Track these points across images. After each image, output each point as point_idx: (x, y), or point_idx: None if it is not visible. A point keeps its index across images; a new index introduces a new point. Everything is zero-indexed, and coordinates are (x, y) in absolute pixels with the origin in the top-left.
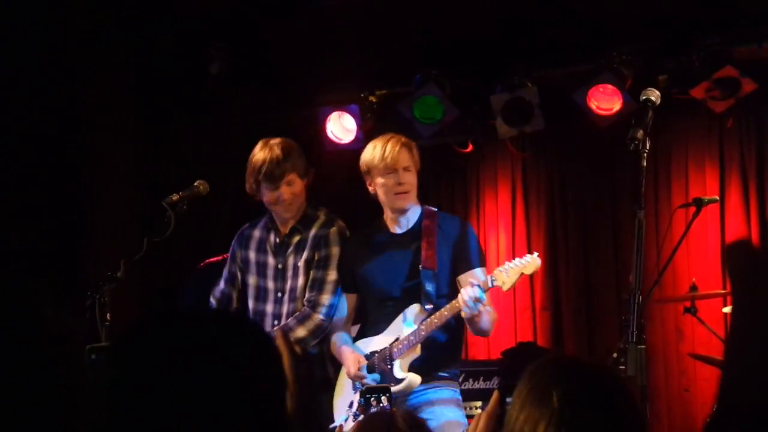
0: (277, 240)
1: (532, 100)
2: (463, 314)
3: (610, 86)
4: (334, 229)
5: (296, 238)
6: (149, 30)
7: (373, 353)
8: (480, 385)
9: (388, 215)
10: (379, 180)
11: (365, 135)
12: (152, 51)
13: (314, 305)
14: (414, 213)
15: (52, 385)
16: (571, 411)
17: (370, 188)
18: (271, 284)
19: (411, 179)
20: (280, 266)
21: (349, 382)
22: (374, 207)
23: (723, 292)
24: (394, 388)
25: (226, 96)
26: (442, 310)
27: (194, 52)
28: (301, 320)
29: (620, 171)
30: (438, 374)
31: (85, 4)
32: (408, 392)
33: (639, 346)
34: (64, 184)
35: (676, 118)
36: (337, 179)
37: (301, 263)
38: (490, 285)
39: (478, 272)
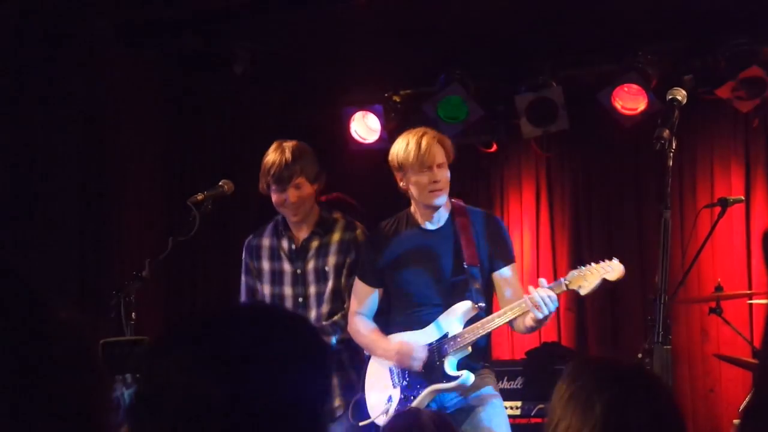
0: (293, 246)
1: (557, 99)
2: (533, 316)
3: (635, 86)
4: (359, 232)
5: (316, 242)
6: (175, 31)
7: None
8: (504, 385)
9: (418, 210)
10: (413, 177)
11: (389, 135)
12: (178, 52)
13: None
14: (445, 208)
15: (65, 385)
16: (615, 419)
17: (401, 184)
18: (288, 290)
19: (445, 175)
20: (298, 271)
21: (385, 374)
22: (398, 207)
23: (748, 292)
24: (446, 386)
25: (250, 96)
26: (505, 309)
27: (219, 52)
28: (334, 329)
29: (645, 171)
30: (481, 370)
31: (111, 5)
32: (460, 390)
33: (665, 347)
34: (90, 184)
35: (701, 117)
36: (362, 179)
37: (329, 267)
38: (564, 288)
39: (512, 268)
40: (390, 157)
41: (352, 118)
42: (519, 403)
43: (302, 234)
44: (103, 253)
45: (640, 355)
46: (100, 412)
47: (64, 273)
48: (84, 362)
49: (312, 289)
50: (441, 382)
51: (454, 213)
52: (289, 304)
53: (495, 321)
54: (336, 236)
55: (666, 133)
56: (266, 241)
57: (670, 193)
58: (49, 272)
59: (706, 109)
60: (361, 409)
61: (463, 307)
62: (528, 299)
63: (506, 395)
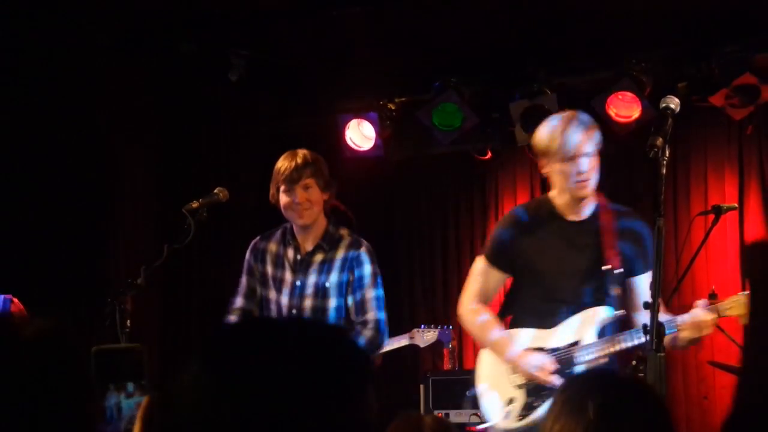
0: (298, 257)
1: (551, 107)
2: (690, 337)
3: (629, 93)
4: (363, 249)
5: (319, 257)
6: (170, 38)
7: (548, 351)
8: None
9: (563, 199)
10: (557, 165)
11: (384, 142)
12: (173, 59)
13: (363, 324)
14: (590, 200)
15: (38, 400)
16: (607, 423)
17: (543, 170)
18: (285, 300)
19: (593, 165)
20: (298, 283)
21: (503, 375)
22: (393, 216)
23: None
24: None
25: (245, 103)
26: (678, 323)
27: (214, 59)
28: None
29: (639, 178)
30: None
31: (107, 12)
32: None
33: (659, 354)
34: (86, 191)
35: (695, 125)
36: (357, 186)
37: (330, 284)
38: (722, 314)
39: (648, 277)
40: (534, 140)
41: (347, 125)
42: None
43: (308, 245)
44: (98, 261)
45: (634, 362)
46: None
47: (60, 281)
48: (59, 374)
49: (308, 303)
50: None
51: (599, 208)
52: (284, 313)
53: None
54: (340, 253)
55: (659, 140)
56: (273, 247)
57: (663, 201)
58: (44, 280)
59: (699, 116)
60: (474, 405)
61: (601, 314)
62: (691, 318)
63: None
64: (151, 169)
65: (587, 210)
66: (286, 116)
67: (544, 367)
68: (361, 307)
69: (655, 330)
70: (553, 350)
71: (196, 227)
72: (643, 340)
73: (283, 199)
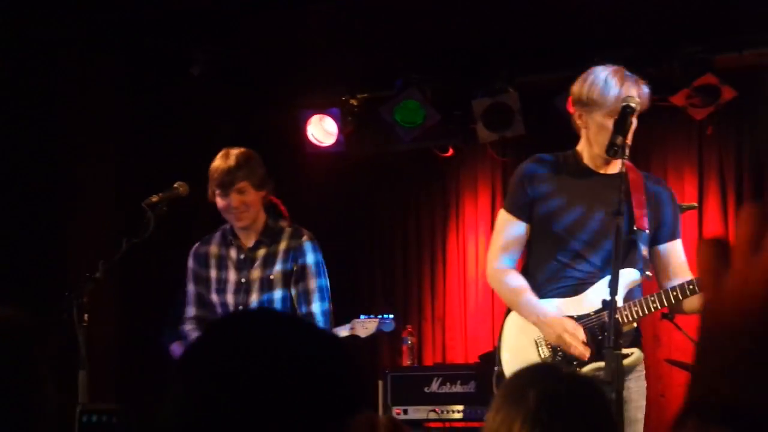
0: (241, 255)
1: (513, 105)
2: None
3: None
4: (306, 238)
5: (262, 252)
6: (132, 32)
7: (577, 319)
8: (457, 389)
9: (592, 153)
10: (597, 118)
11: (346, 138)
12: (136, 51)
13: (308, 317)
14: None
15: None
16: (547, 411)
17: (579, 120)
18: (230, 299)
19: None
20: (243, 280)
21: (529, 343)
22: (355, 210)
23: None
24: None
25: (208, 98)
26: (682, 285)
27: (177, 53)
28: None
29: None
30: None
31: (68, 6)
32: (629, 371)
33: (616, 351)
34: (43, 184)
35: (656, 124)
36: (318, 182)
37: (275, 276)
38: None
39: (680, 244)
40: (576, 88)
41: (309, 121)
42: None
43: (249, 242)
44: (55, 254)
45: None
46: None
47: (16, 274)
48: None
49: (254, 297)
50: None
51: (627, 167)
52: (229, 312)
53: (670, 295)
54: (282, 245)
55: (619, 140)
56: (214, 249)
57: (623, 200)
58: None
59: (660, 116)
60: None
61: (630, 276)
62: None
63: (459, 399)
64: (110, 163)
65: (615, 166)
66: (247, 111)
67: (576, 335)
68: (304, 297)
69: (614, 326)
70: (580, 317)
71: (155, 222)
72: (672, 300)
73: (219, 202)
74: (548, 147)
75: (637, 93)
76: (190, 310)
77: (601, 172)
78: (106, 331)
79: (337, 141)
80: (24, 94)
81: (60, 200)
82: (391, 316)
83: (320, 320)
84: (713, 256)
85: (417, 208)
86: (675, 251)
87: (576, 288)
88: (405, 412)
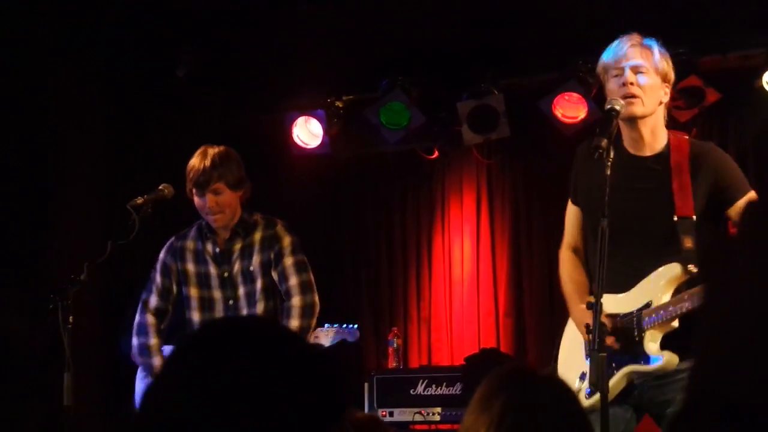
0: (218, 249)
1: (498, 107)
2: None
3: (575, 94)
4: (279, 225)
5: (238, 245)
6: (117, 32)
7: (612, 316)
8: (443, 390)
9: (623, 131)
10: (608, 84)
11: (331, 140)
12: (120, 53)
13: (286, 295)
14: (660, 135)
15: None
16: (512, 419)
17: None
18: (217, 294)
19: (647, 82)
20: (225, 274)
21: (580, 344)
22: (339, 212)
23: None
24: (644, 368)
25: (193, 99)
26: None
27: (162, 54)
28: (287, 315)
29: None
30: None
31: (54, 5)
32: (661, 374)
33: (600, 354)
34: (29, 184)
35: None
36: (303, 184)
37: (254, 267)
38: None
39: (749, 199)
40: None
41: (295, 123)
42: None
43: (225, 235)
44: (40, 257)
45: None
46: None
47: (0, 275)
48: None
49: (241, 291)
50: (639, 362)
51: (671, 146)
52: (219, 306)
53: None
54: (257, 236)
55: (604, 142)
56: (190, 244)
57: (608, 202)
58: None
59: None
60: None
61: (671, 272)
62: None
63: (444, 401)
64: (96, 165)
65: (656, 145)
66: (233, 113)
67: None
68: (282, 275)
69: (598, 329)
70: (626, 316)
71: (140, 223)
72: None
73: (196, 201)
74: (533, 149)
75: (636, 50)
76: (153, 300)
77: (635, 153)
78: (91, 333)
79: (323, 143)
80: (8, 96)
81: (45, 202)
82: (356, 325)
83: (299, 291)
84: (714, 251)
85: (402, 209)
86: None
87: (621, 285)
88: (391, 414)
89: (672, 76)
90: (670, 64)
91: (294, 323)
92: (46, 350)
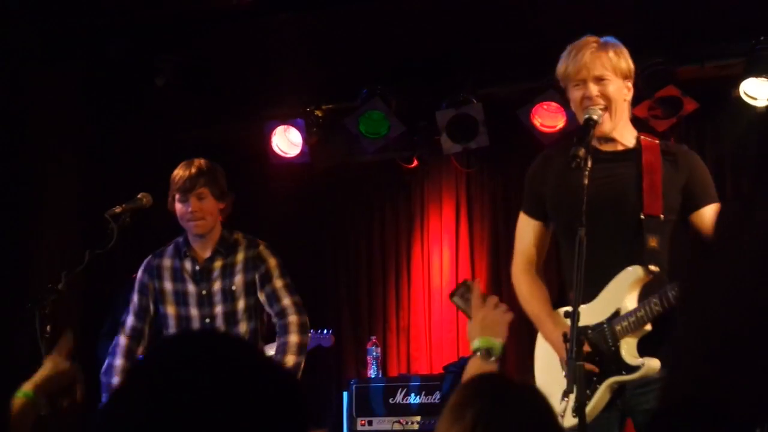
0: (197, 267)
1: (477, 116)
2: None
3: (554, 104)
4: (261, 246)
5: (219, 263)
6: (97, 40)
7: (584, 330)
8: (422, 399)
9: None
10: (569, 93)
11: (311, 149)
12: (99, 61)
13: (281, 314)
14: (627, 130)
15: None
16: (483, 430)
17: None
18: (194, 312)
19: (606, 91)
20: (204, 292)
21: (556, 363)
22: (320, 220)
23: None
24: (626, 378)
25: (172, 108)
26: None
27: (141, 63)
28: (282, 332)
29: None
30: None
31: (32, 13)
32: (644, 382)
33: (577, 363)
34: (7, 193)
35: None
36: (283, 193)
37: (237, 287)
38: None
39: (714, 209)
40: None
41: (274, 131)
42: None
43: (205, 254)
44: (18, 265)
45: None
46: None
47: None
48: None
49: (219, 309)
50: (620, 373)
51: (643, 145)
52: (196, 324)
53: (673, 294)
54: (240, 256)
55: (582, 151)
56: (167, 262)
57: (585, 211)
58: None
59: None
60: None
61: (633, 275)
62: None
63: (424, 410)
64: (74, 173)
65: (624, 140)
66: (212, 122)
67: (561, 341)
68: (274, 296)
69: (576, 337)
70: (595, 327)
71: (118, 233)
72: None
73: (178, 208)
74: (512, 158)
75: (594, 59)
76: (129, 320)
77: (606, 149)
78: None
79: (302, 152)
80: None
81: (23, 210)
82: (330, 331)
83: (295, 310)
84: (690, 256)
85: (382, 218)
86: (703, 219)
87: (590, 292)
88: (369, 423)
89: (631, 66)
90: (626, 55)
91: (294, 338)
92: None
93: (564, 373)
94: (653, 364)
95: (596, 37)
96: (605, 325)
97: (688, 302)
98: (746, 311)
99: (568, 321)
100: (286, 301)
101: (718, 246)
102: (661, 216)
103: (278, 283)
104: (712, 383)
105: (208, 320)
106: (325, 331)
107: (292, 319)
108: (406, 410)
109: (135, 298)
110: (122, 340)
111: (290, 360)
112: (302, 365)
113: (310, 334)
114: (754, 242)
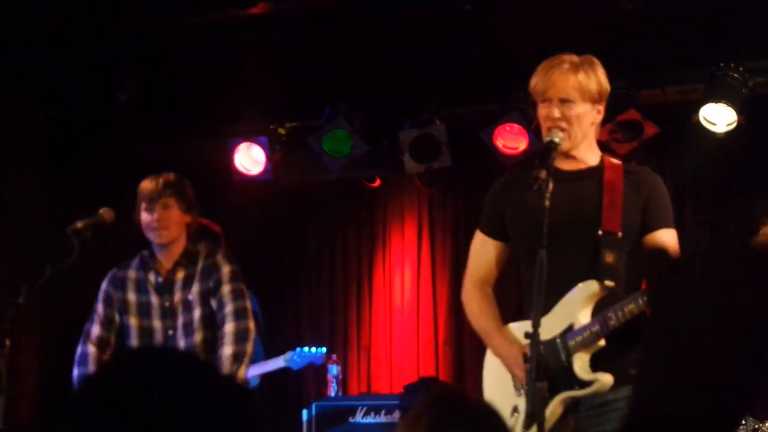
0: (160, 279)
1: (440, 136)
2: None
3: (516, 126)
4: (219, 254)
5: (181, 275)
6: (59, 56)
7: (543, 344)
8: (382, 418)
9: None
10: (539, 109)
11: (274, 167)
12: (62, 76)
13: (221, 324)
14: (591, 150)
15: None
16: None
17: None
18: (157, 324)
19: (570, 113)
20: (167, 304)
21: (505, 377)
22: (282, 239)
23: None
24: (579, 393)
25: (135, 124)
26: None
27: (104, 79)
28: (222, 342)
29: None
30: (631, 370)
31: None
32: (596, 397)
33: (538, 383)
34: None
35: None
36: (245, 210)
37: (193, 296)
38: None
39: (668, 234)
40: None
41: (237, 149)
42: None
43: (168, 265)
44: None
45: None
46: None
47: None
48: None
49: (180, 320)
50: (573, 388)
51: (605, 165)
52: (158, 336)
53: (629, 309)
54: (199, 266)
55: (543, 173)
56: (132, 274)
57: (546, 233)
58: None
59: None
60: None
61: (588, 290)
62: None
63: (384, 429)
64: (36, 188)
65: (587, 159)
66: (175, 138)
67: (519, 363)
68: (220, 303)
69: (536, 358)
70: (548, 342)
71: (79, 248)
72: (638, 304)
73: (144, 217)
74: (474, 179)
75: (563, 80)
76: (95, 329)
77: (566, 168)
78: (27, 358)
79: (265, 169)
80: None
81: None
82: (324, 350)
83: (233, 318)
84: (661, 269)
85: (344, 237)
86: (655, 242)
87: (553, 301)
88: None
89: (604, 87)
90: (600, 77)
91: (228, 350)
92: None
93: (514, 389)
94: (606, 379)
95: (573, 56)
96: (558, 340)
97: (654, 322)
98: (712, 332)
99: (522, 338)
100: (228, 308)
101: (685, 268)
102: (619, 233)
103: (225, 289)
104: (677, 401)
105: (170, 332)
106: (315, 350)
107: (228, 327)
108: (366, 429)
109: (100, 308)
110: (90, 348)
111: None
112: (243, 374)
113: (253, 341)
114: (720, 266)
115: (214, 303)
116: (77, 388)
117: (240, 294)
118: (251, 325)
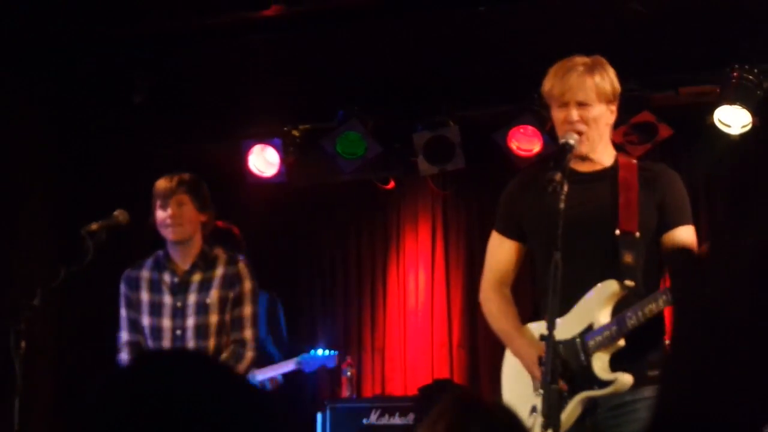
0: (175, 279)
1: (454, 138)
2: None
3: (530, 127)
4: (242, 265)
5: (198, 277)
6: (73, 56)
7: (563, 344)
8: (396, 420)
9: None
10: (552, 112)
11: (288, 169)
12: (76, 78)
13: (241, 344)
14: (606, 150)
15: None
16: None
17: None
18: (166, 323)
19: (588, 115)
20: (178, 304)
21: (526, 378)
22: (296, 240)
23: None
24: (598, 392)
25: (149, 126)
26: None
27: (118, 81)
28: (236, 359)
29: None
30: (650, 372)
31: (6, 29)
32: (614, 398)
33: (553, 386)
34: None
35: None
36: (259, 212)
37: (211, 300)
38: None
39: (686, 231)
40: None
41: (251, 151)
42: None
43: (184, 266)
44: None
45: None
46: None
47: None
48: None
49: (190, 322)
50: (592, 387)
51: (620, 164)
52: (167, 336)
53: (649, 308)
54: (219, 271)
55: (558, 176)
56: (146, 273)
57: (560, 235)
58: None
59: None
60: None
61: (607, 290)
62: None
63: (397, 431)
64: (50, 190)
65: (603, 160)
66: (189, 140)
67: (536, 362)
68: (238, 323)
69: (552, 359)
70: (567, 341)
71: (94, 249)
72: (657, 304)
73: (158, 215)
74: (488, 181)
75: (580, 83)
76: (124, 335)
77: (581, 169)
78: (42, 359)
79: (279, 171)
80: None
81: None
82: (335, 352)
83: (252, 346)
84: (684, 265)
85: (358, 239)
86: (674, 241)
87: (564, 307)
88: None
89: (617, 88)
90: (612, 77)
91: (248, 355)
92: None
93: (533, 389)
94: (626, 379)
95: (584, 57)
96: (577, 340)
97: (678, 322)
98: (740, 331)
99: (541, 341)
100: (248, 333)
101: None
102: (637, 233)
103: (247, 311)
104: (702, 402)
105: (179, 332)
106: (329, 352)
107: (249, 354)
108: (380, 431)
109: (123, 312)
110: (123, 356)
111: None
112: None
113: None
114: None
115: (228, 314)
116: (93, 390)
117: (257, 320)
118: (257, 356)
